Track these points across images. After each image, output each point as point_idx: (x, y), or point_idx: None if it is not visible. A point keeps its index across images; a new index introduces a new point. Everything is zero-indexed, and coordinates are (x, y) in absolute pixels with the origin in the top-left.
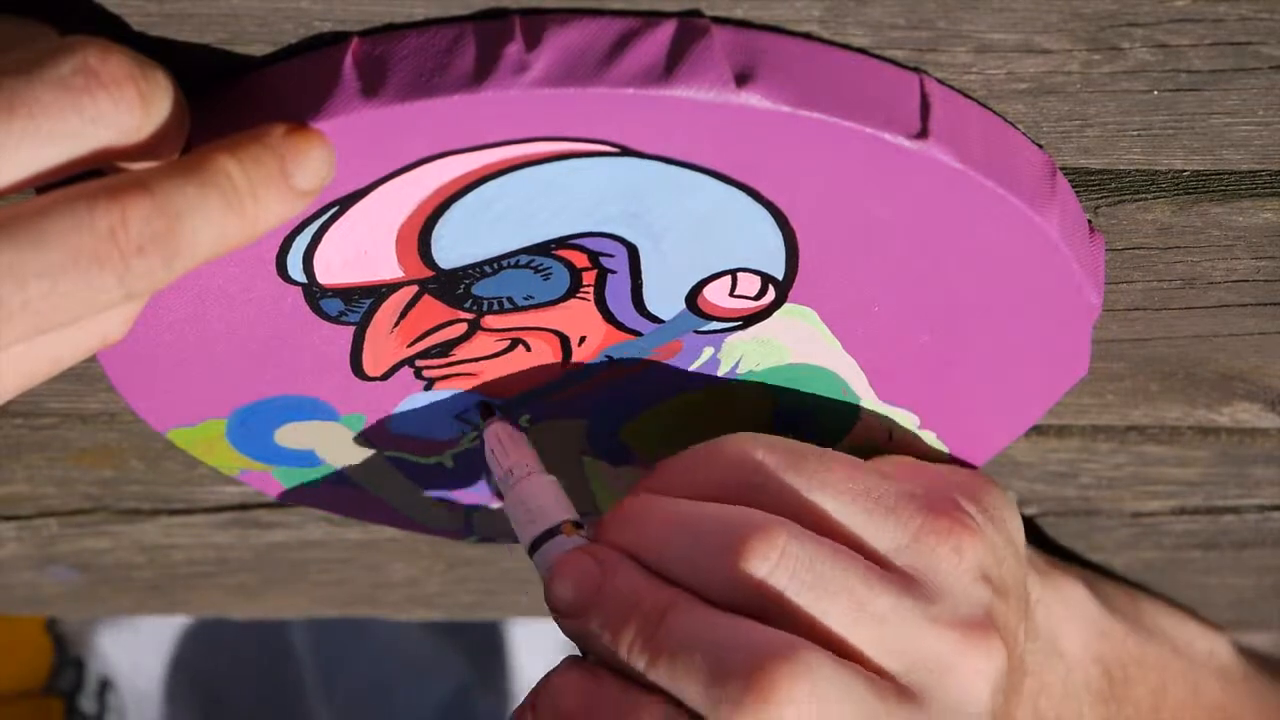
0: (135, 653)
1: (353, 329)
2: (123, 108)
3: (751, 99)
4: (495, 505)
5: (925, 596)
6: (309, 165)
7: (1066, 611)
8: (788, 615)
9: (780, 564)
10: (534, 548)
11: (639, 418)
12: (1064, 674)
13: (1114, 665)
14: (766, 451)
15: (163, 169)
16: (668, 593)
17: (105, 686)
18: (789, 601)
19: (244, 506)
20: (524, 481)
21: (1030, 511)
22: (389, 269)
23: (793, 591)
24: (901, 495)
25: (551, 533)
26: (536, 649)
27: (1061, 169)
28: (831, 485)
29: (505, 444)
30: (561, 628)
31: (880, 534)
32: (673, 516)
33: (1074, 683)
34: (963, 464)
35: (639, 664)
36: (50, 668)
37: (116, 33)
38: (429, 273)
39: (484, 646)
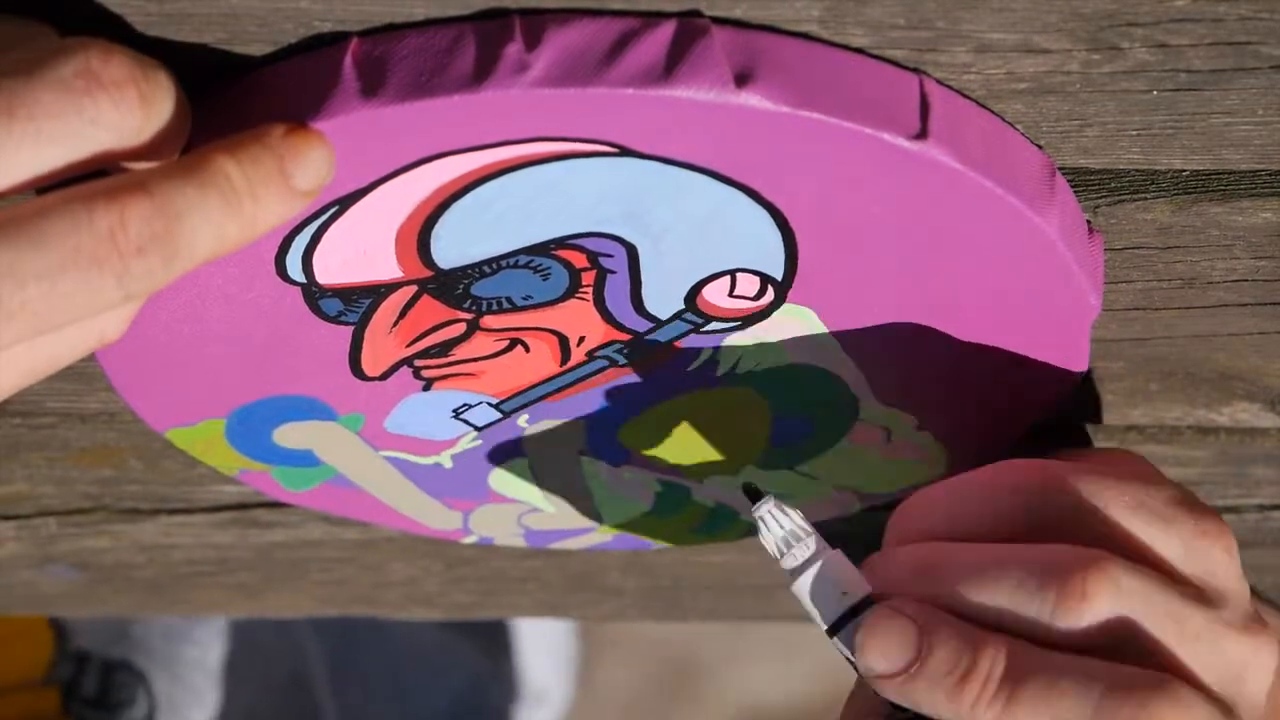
0: (171, 642)
1: (351, 329)
2: (124, 110)
3: (751, 99)
4: (493, 504)
5: (1215, 604)
6: (308, 165)
7: None
8: (1130, 649)
9: (1120, 599)
10: (840, 623)
11: (638, 418)
12: None
13: None
14: (1041, 471)
15: (162, 170)
16: (1002, 639)
17: (110, 669)
18: (1130, 635)
19: (243, 506)
20: (819, 559)
21: None
22: (388, 269)
23: (1132, 625)
24: (1168, 501)
25: (862, 606)
26: (544, 645)
27: (1061, 169)
28: (1114, 503)
29: (790, 522)
30: (884, 692)
31: (1165, 546)
32: (979, 561)
33: None
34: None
35: (989, 716)
36: (50, 660)
37: (116, 32)
38: (428, 273)
39: (496, 639)
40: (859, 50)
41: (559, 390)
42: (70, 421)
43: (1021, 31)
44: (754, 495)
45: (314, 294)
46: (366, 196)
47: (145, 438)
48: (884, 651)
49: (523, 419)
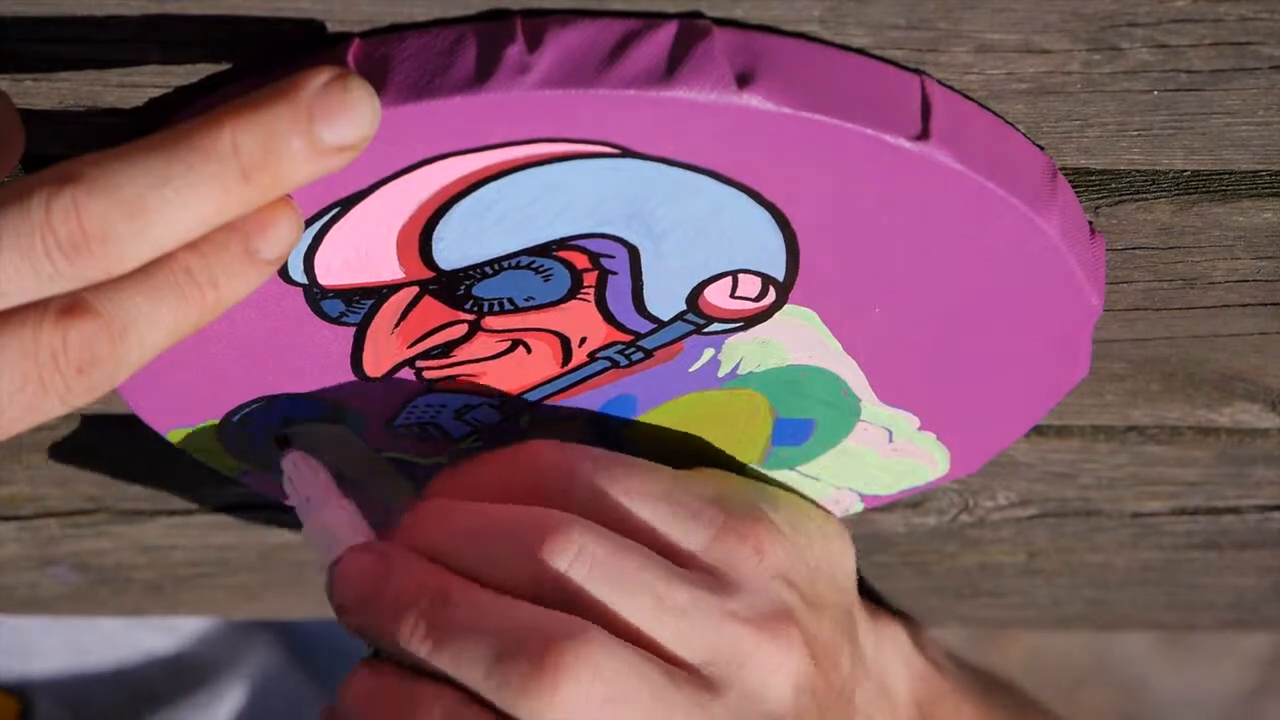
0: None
1: (353, 330)
2: None
3: (753, 100)
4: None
5: (724, 591)
6: (275, 236)
7: (893, 654)
8: (584, 609)
9: (578, 559)
10: (331, 571)
11: (640, 419)
12: (890, 715)
13: (926, 704)
14: (568, 456)
15: (116, 283)
16: (451, 578)
17: None
18: (586, 596)
19: (244, 507)
20: (322, 509)
21: (1030, 512)
22: (390, 270)
23: (590, 586)
24: (704, 499)
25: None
26: None
27: (1062, 169)
28: (634, 490)
29: (303, 473)
30: (346, 626)
31: (682, 535)
32: (467, 516)
33: None
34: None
35: (422, 651)
36: None
37: (115, 32)
38: (430, 274)
39: None
40: (860, 50)
41: (561, 391)
42: (72, 422)
43: (1022, 32)
44: (282, 443)
45: (316, 295)
46: (368, 198)
47: (146, 439)
48: (344, 584)
49: (524, 420)
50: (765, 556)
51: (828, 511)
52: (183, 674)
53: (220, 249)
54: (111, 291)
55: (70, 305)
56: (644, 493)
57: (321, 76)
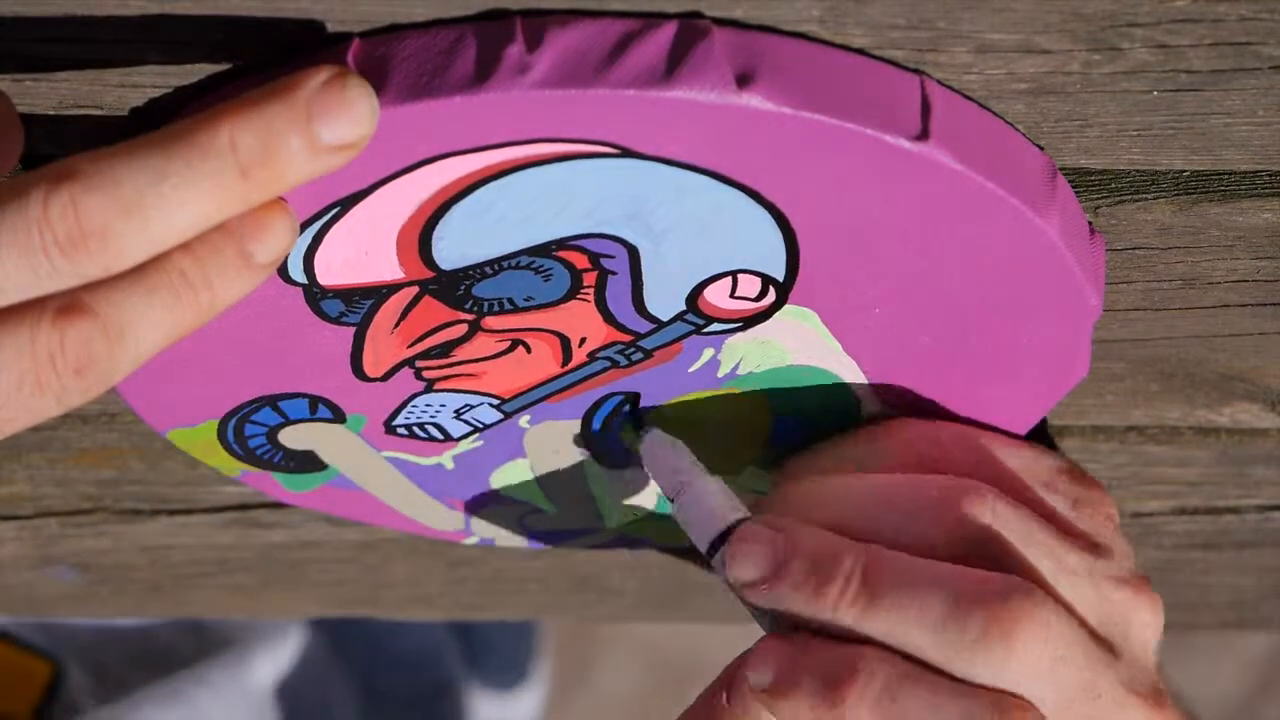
0: None
1: (353, 330)
2: None
3: (752, 100)
4: (495, 505)
5: (1101, 555)
6: (270, 239)
7: None
8: (1004, 567)
9: (994, 520)
10: (715, 546)
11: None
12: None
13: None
14: (935, 430)
15: (112, 282)
16: (861, 545)
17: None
18: (1001, 553)
19: (244, 507)
20: (692, 486)
21: None
22: (390, 270)
23: (1003, 549)
24: (1055, 470)
25: (733, 528)
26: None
27: (1061, 169)
28: (999, 461)
29: (666, 451)
30: (751, 601)
31: (1047, 504)
32: (857, 486)
33: None
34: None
35: (850, 616)
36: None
37: (114, 33)
38: (429, 274)
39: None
40: (859, 51)
41: (560, 391)
42: (71, 422)
43: (1022, 32)
44: (639, 425)
45: (315, 295)
46: (368, 197)
47: (146, 438)
48: (749, 559)
49: (524, 420)
50: (1114, 519)
51: None
52: (211, 643)
53: (215, 252)
54: (108, 292)
55: (68, 305)
56: (1005, 464)
57: (320, 75)
